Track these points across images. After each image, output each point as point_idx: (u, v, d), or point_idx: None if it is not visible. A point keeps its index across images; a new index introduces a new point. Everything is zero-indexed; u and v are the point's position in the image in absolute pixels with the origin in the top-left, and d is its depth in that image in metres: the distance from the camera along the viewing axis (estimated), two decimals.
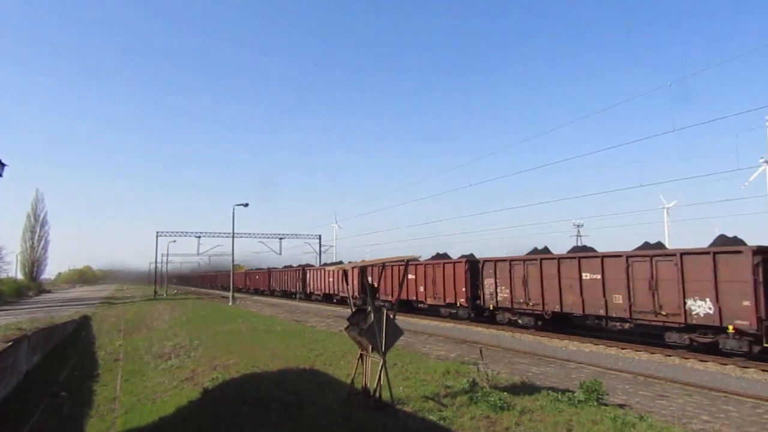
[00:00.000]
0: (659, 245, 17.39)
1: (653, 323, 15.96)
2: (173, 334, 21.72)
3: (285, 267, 55.48)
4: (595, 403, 8.12)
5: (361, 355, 8.37)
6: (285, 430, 7.22)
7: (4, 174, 10.63)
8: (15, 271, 79.39)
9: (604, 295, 16.94)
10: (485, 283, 22.46)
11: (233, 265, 50.14)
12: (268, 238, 64.26)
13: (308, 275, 45.34)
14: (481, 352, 12.53)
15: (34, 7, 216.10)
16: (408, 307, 28.88)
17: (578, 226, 67.69)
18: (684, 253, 14.88)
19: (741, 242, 14.71)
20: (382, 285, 28.98)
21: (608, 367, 13.24)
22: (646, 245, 17.28)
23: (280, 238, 64.21)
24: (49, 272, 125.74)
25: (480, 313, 23.16)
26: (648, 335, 17.48)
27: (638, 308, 15.95)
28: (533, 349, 16.56)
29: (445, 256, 27.36)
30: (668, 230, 49.52)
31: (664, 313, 15.21)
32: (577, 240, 67.07)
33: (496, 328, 21.58)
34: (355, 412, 7.74)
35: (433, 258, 27.62)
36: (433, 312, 27.88)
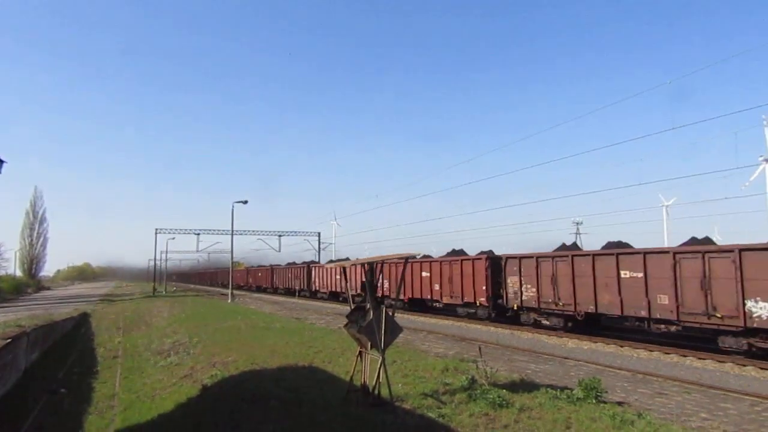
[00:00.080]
0: (707, 240, 16.17)
1: (705, 326, 14.50)
2: (172, 332, 21.72)
3: (288, 264, 54.28)
4: (594, 401, 8.13)
5: (360, 352, 8.37)
6: (284, 427, 7.21)
7: (3, 171, 10.59)
8: (14, 268, 79.51)
9: (647, 295, 15.65)
10: (508, 281, 21.14)
11: (232, 262, 50.13)
12: (267, 235, 64.26)
13: (313, 272, 44.10)
14: (480, 349, 12.56)
15: (34, 6, 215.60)
16: (422, 306, 27.88)
17: (577, 223, 67.74)
18: (743, 249, 13.54)
19: None
20: (393, 283, 28.44)
21: (607, 365, 13.25)
22: (694, 240, 16.08)
23: (280, 236, 64.18)
24: (48, 269, 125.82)
25: (501, 313, 21.85)
26: (697, 339, 15.91)
27: (687, 309, 14.63)
28: (532, 346, 16.57)
29: (461, 252, 25.86)
30: (667, 228, 49.55)
31: (718, 315, 13.89)
32: (576, 238, 67.15)
33: (495, 326, 21.54)
34: (354, 409, 7.74)
35: (449, 254, 26.29)
36: (449, 312, 26.30)
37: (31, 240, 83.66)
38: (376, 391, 7.93)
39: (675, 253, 15.17)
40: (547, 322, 19.49)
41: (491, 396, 8.12)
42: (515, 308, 20.88)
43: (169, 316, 28.77)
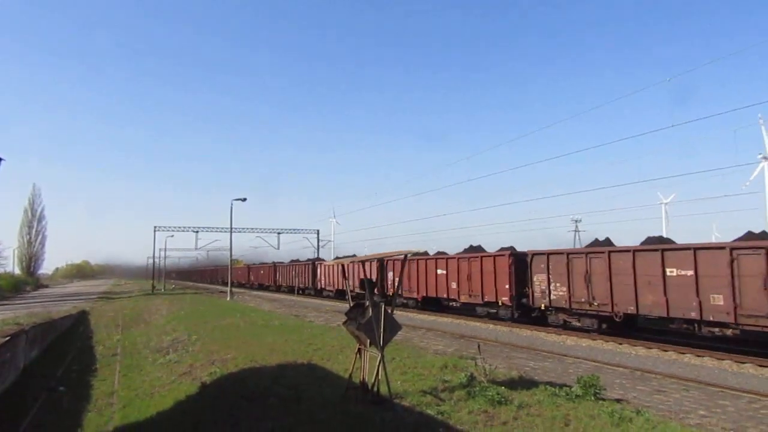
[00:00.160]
0: (765, 235, 14.82)
1: None
2: (171, 329, 21.72)
3: (292, 261, 53.09)
4: (593, 398, 8.14)
5: (359, 349, 8.37)
6: (283, 424, 7.22)
7: (2, 169, 10.57)
8: (12, 266, 79.41)
9: (698, 295, 14.26)
10: (534, 279, 19.69)
11: (231, 260, 50.10)
12: (266, 233, 64.25)
13: (319, 270, 42.53)
14: (479, 346, 12.57)
15: (34, 5, 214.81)
16: (436, 305, 26.73)
17: (576, 221, 67.77)
18: None
19: None
20: (406, 282, 27.54)
21: (605, 362, 13.27)
22: (751, 235, 14.76)
23: (278, 233, 64.18)
24: (47, 267, 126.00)
25: (526, 314, 20.54)
26: (758, 344, 14.35)
27: (747, 311, 13.31)
28: (531, 343, 16.59)
29: (479, 248, 24.68)
30: (666, 225, 49.61)
31: None
32: (575, 235, 67.21)
33: (495, 324, 21.55)
34: (353, 407, 7.74)
35: (467, 251, 25.00)
36: (467, 311, 24.95)
37: (30, 238, 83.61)
38: (375, 389, 7.94)
39: (732, 249, 13.82)
40: (578, 324, 18.13)
41: (490, 393, 8.14)
42: (542, 308, 19.50)
43: (168, 314, 28.77)
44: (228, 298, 40.93)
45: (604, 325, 17.51)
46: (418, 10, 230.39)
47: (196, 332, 19.25)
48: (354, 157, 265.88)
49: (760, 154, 35.79)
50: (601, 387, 8.51)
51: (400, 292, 27.95)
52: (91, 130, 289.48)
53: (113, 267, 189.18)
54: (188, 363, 14.19)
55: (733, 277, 13.66)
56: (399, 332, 8.67)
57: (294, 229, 66.64)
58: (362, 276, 8.22)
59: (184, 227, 60.71)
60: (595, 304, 17.31)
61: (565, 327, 18.71)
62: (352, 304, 8.56)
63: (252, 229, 63.46)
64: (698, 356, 13.99)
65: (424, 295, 26.71)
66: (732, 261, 13.73)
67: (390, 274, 27.67)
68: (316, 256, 61.86)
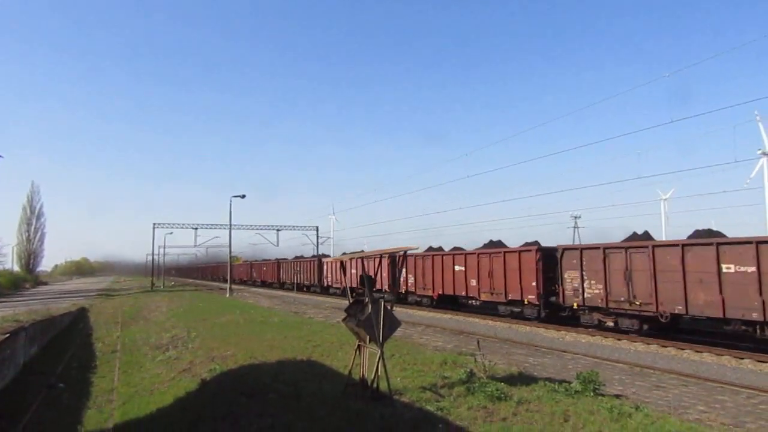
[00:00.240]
0: None
1: None
2: (171, 326, 21.73)
3: (296, 257, 52.28)
4: (592, 394, 8.16)
5: (358, 346, 8.37)
6: (283, 420, 7.22)
7: (1, 166, 10.53)
8: (11, 263, 79.37)
9: (761, 294, 12.98)
10: (565, 276, 18.49)
11: (230, 257, 50.08)
12: (265, 229, 64.19)
13: (325, 267, 41.29)
14: (478, 343, 12.58)
15: (33, 3, 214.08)
16: (453, 303, 25.69)
17: (575, 217, 67.78)
18: None
19: None
20: (419, 279, 26.79)
21: (605, 358, 13.30)
22: None
23: (278, 230, 64.09)
24: (46, 264, 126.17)
25: (554, 313, 19.52)
26: None
27: None
28: (530, 340, 16.61)
29: (500, 243, 23.65)
30: (665, 221, 49.62)
31: None
32: (574, 232, 67.26)
33: (494, 320, 21.57)
34: (353, 403, 7.75)
35: (487, 246, 23.94)
36: (487, 310, 23.76)
37: (29, 235, 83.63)
38: (375, 385, 7.94)
39: None
40: (620, 324, 16.82)
41: (489, 389, 8.14)
42: (575, 307, 18.30)
43: (167, 311, 28.78)
44: (227, 295, 40.95)
45: (645, 326, 16.21)
46: (419, 7, 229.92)
47: (195, 329, 19.25)
48: (353, 154, 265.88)
49: (759, 150, 35.73)
50: (600, 383, 8.53)
51: (402, 289, 27.93)
52: (90, 127, 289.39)
53: (112, 264, 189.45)
54: (188, 360, 14.20)
55: None
56: (398, 329, 8.68)
57: (293, 226, 66.64)
58: (364, 272, 8.20)
59: (183, 224, 60.60)
60: (637, 303, 16.00)
61: (599, 327, 17.65)
62: (351, 301, 8.56)
63: (251, 225, 63.37)
64: (697, 352, 14.03)
65: (440, 292, 25.47)
66: None
67: (403, 271, 27.27)
68: (317, 252, 61.84)
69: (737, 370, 12.11)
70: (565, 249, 18.89)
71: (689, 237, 15.98)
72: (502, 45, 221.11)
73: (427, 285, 26.28)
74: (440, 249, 26.97)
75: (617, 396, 8.60)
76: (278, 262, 54.97)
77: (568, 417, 7.08)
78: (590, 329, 17.69)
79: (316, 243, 66.79)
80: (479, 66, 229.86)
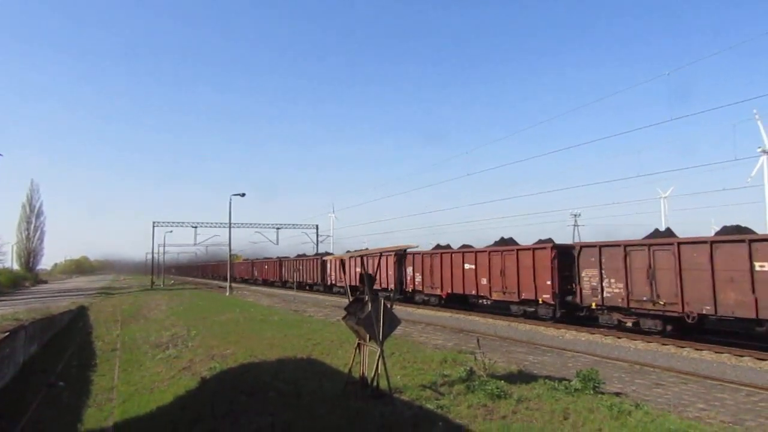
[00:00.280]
0: None
1: None
2: (170, 324, 21.73)
3: (299, 255, 51.49)
4: (592, 392, 8.16)
5: (358, 344, 8.37)
6: (283, 418, 7.22)
7: (0, 165, 10.52)
8: (11, 261, 79.36)
9: None
10: (583, 274, 17.77)
11: (230, 255, 50.08)
12: (264, 228, 64.21)
13: (329, 265, 40.39)
14: (478, 341, 12.59)
15: (33, 3, 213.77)
16: (462, 303, 25.02)
17: (575, 215, 67.77)
18: None
19: None
20: (427, 277, 26.28)
21: (604, 356, 13.31)
22: None
23: (277, 228, 64.15)
24: (46, 263, 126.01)
25: (570, 313, 18.92)
26: None
27: None
28: (530, 338, 16.62)
29: (511, 241, 23.15)
30: (665, 219, 49.64)
31: None
32: (574, 230, 67.24)
33: (494, 318, 21.56)
34: (353, 401, 7.75)
35: (498, 243, 23.37)
36: (498, 310, 23.25)
37: (28, 233, 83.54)
38: (375, 383, 7.95)
39: None
40: (641, 325, 16.19)
41: (489, 387, 8.14)
42: (593, 307, 17.63)
43: (167, 309, 28.78)
44: (227, 294, 40.95)
45: (668, 327, 15.56)
46: (418, 8, 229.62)
47: (195, 327, 19.25)
48: (353, 153, 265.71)
49: (759, 147, 35.73)
50: (600, 381, 8.53)
51: (409, 288, 27.71)
52: (89, 126, 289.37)
53: (112, 262, 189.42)
54: (188, 358, 14.20)
55: None
56: (398, 327, 8.67)
57: (293, 225, 66.63)
58: (364, 270, 8.19)
59: (183, 223, 60.69)
60: (661, 303, 15.33)
61: (619, 328, 17.04)
62: (351, 299, 8.56)
63: (251, 224, 63.41)
64: (697, 350, 14.03)
65: (449, 291, 24.87)
66: None
67: (410, 270, 27.01)
68: (317, 251, 61.81)
69: (737, 367, 12.12)
70: (583, 246, 18.15)
71: (717, 233, 15.53)
72: (501, 44, 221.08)
73: (435, 284, 25.73)
74: (448, 247, 26.52)
75: (617, 394, 8.59)
76: (280, 261, 54.19)
77: (567, 415, 7.09)
78: (603, 329, 17.18)
79: (315, 242, 66.89)
80: (479, 65, 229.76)
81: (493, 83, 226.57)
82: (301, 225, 67.39)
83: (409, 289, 27.85)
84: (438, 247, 27.51)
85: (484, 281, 22.59)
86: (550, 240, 20.70)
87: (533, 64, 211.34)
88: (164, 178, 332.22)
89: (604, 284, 17.09)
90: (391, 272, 28.34)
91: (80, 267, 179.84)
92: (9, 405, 10.92)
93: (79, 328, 24.79)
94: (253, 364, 11.73)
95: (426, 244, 28.67)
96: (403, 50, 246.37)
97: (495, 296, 22.06)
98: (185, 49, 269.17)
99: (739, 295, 13.50)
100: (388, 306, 8.00)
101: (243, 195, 42.68)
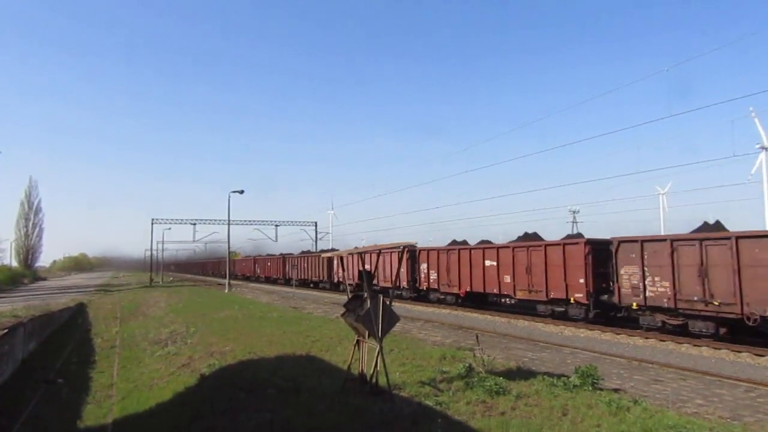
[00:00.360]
0: None
1: None
2: (169, 321, 21.73)
3: (303, 252, 50.35)
4: (590, 388, 8.17)
5: (357, 341, 8.37)
6: (282, 415, 7.22)
7: None
8: (10, 259, 79.23)
9: None
10: (622, 272, 16.44)
11: (229, 252, 50.05)
12: (263, 225, 64.12)
13: (335, 261, 37.49)
14: (477, 337, 12.58)
15: (33, 0, 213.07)
16: (482, 302, 23.91)
17: (574, 212, 67.76)
18: None
19: None
20: (444, 274, 25.10)
21: (603, 352, 13.33)
22: None
23: (276, 225, 64.06)
24: (44, 260, 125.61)
25: (605, 313, 17.79)
26: None
27: None
28: (529, 334, 16.64)
29: (536, 236, 21.88)
30: (663, 216, 49.65)
31: None
32: (572, 226, 67.27)
33: (493, 315, 21.56)
34: (352, 398, 7.76)
35: (521, 239, 22.05)
36: (523, 309, 21.78)
37: (27, 230, 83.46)
38: (374, 380, 7.95)
39: None
40: (690, 327, 14.79)
41: (488, 384, 8.16)
42: (633, 307, 16.24)
43: (166, 306, 28.78)
44: (226, 291, 40.95)
45: (722, 330, 14.25)
46: (417, 4, 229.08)
47: (194, 324, 19.25)
48: (352, 150, 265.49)
49: (757, 144, 35.72)
50: (598, 377, 8.54)
51: (398, 284, 27.47)
52: (88, 123, 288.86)
53: (111, 260, 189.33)
54: (187, 355, 14.20)
55: None
56: (397, 324, 8.67)
57: (292, 222, 66.57)
58: (369, 267, 8.19)
59: (182, 220, 60.52)
60: (715, 303, 13.93)
61: (662, 330, 15.66)
62: (350, 296, 8.55)
63: (249, 221, 63.33)
64: (695, 346, 14.04)
65: (468, 289, 23.49)
66: None
67: (424, 266, 26.36)
68: (315, 248, 61.76)
69: (735, 363, 12.14)
70: (622, 242, 16.66)
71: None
72: (501, 40, 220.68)
73: (452, 282, 24.45)
74: (465, 243, 25.56)
75: (616, 390, 8.60)
76: (283, 258, 52.64)
77: (566, 411, 7.10)
78: (650, 331, 15.88)
79: (314, 238, 66.83)
80: (478, 61, 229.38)
81: (492, 79, 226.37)
82: (299, 222, 67.36)
83: (424, 287, 26.80)
84: (454, 243, 26.38)
85: (507, 279, 21.26)
86: (579, 234, 19.45)
87: (532, 61, 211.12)
88: (163, 175, 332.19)
89: (646, 282, 15.71)
90: (403, 269, 27.28)
91: (79, 264, 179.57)
92: (8, 402, 10.93)
93: (78, 325, 24.80)
94: (251, 361, 11.73)
95: (426, 241, 28.53)
96: (403, 47, 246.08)
97: (520, 295, 20.76)
98: (184, 47, 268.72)
99: None
100: (387, 303, 7.99)
101: (242, 192, 42.69)
